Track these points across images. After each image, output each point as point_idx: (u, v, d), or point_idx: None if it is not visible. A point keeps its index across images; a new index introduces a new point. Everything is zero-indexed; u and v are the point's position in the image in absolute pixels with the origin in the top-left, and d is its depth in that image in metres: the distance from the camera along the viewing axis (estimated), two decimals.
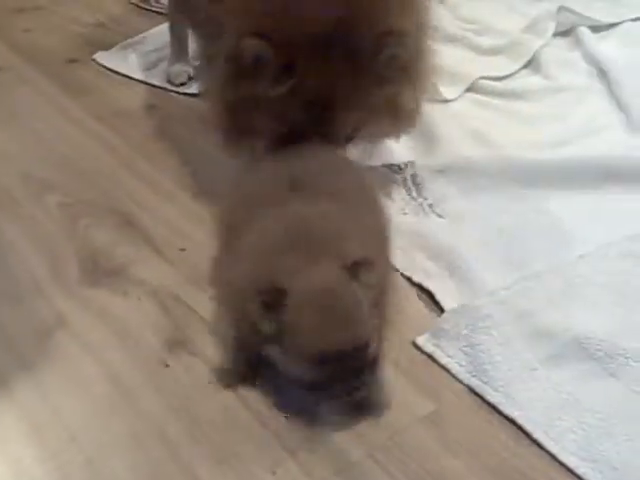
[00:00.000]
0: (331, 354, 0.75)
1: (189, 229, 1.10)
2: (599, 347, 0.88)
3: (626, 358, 0.88)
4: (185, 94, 1.44)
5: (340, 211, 0.85)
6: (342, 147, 1.04)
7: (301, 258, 0.78)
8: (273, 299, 0.75)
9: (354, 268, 0.77)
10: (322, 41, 0.94)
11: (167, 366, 0.89)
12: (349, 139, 1.05)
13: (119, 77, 1.48)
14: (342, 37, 0.95)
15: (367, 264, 0.78)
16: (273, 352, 0.79)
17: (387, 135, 1.14)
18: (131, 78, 1.47)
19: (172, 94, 1.45)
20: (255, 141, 1.05)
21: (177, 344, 0.92)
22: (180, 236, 1.09)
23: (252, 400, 0.85)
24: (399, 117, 1.06)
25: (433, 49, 1.12)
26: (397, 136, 1.14)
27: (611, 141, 1.28)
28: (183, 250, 1.07)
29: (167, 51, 1.49)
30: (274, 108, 0.98)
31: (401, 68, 1.00)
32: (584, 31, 1.61)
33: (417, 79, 1.06)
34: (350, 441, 0.80)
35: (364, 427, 0.82)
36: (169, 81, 1.46)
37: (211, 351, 0.91)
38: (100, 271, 1.04)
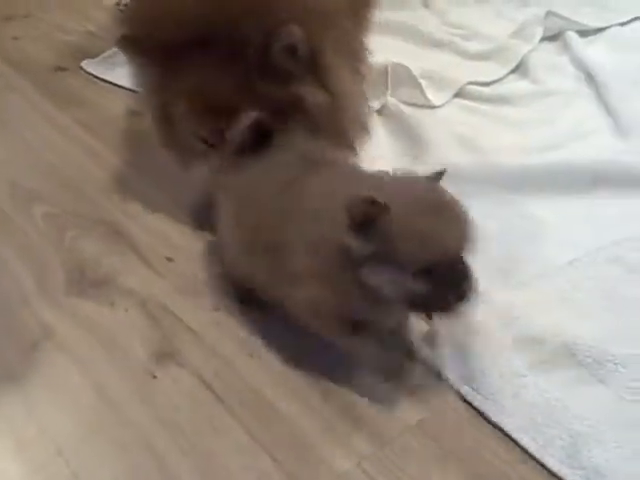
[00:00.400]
0: (446, 258, 0.73)
1: (177, 239, 1.10)
2: (588, 353, 0.88)
3: (615, 364, 0.88)
4: None
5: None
6: None
7: (380, 183, 0.78)
8: (372, 212, 0.71)
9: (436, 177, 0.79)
10: (202, 42, 0.90)
11: (154, 377, 0.89)
12: None
13: (107, 85, 1.47)
14: (225, 35, 0.90)
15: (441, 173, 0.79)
16: (371, 275, 0.74)
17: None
18: (118, 86, 1.47)
19: None
20: (194, 157, 1.03)
21: (165, 355, 0.92)
22: (168, 246, 1.09)
23: (239, 411, 0.85)
24: (318, 122, 0.97)
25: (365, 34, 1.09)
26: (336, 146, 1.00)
27: (599, 145, 1.28)
28: (171, 260, 1.06)
29: None
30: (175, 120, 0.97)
31: (302, 61, 0.93)
32: (572, 36, 1.61)
33: (332, 70, 0.98)
34: (339, 450, 0.80)
35: (353, 436, 0.81)
36: None
37: (199, 362, 0.91)
38: (87, 282, 1.03)
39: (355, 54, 1.07)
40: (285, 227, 0.82)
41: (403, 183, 0.80)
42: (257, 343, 0.92)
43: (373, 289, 0.75)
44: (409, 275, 0.73)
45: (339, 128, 1.01)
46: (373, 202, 0.71)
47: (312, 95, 0.96)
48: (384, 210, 0.71)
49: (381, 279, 0.74)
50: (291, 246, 0.81)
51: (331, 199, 0.78)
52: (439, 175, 0.80)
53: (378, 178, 0.81)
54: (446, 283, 0.73)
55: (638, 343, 0.92)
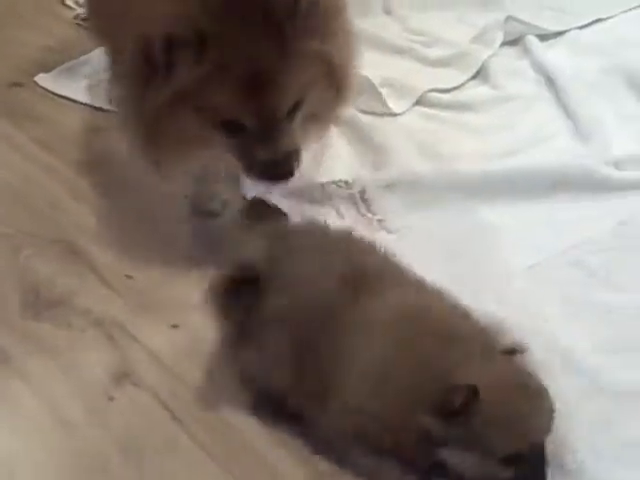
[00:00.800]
0: (534, 445, 0.71)
1: (136, 256, 1.08)
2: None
3: (576, 368, 0.88)
4: None
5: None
6: (286, 131, 0.94)
7: (456, 351, 0.73)
8: (467, 402, 0.68)
9: (512, 352, 0.75)
10: (233, 5, 0.89)
11: (111, 399, 0.88)
12: (291, 117, 0.95)
13: (63, 100, 1.44)
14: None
15: (519, 348, 0.76)
16: (451, 457, 0.72)
17: (329, 106, 1.04)
18: (75, 101, 1.44)
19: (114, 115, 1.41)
20: (188, 153, 0.98)
21: (122, 376, 0.91)
22: (126, 263, 1.07)
23: (196, 429, 0.84)
24: (336, 76, 0.98)
25: None
26: (338, 105, 1.05)
27: (559, 149, 1.28)
28: (130, 277, 1.05)
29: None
30: (200, 101, 0.91)
31: (325, 17, 0.94)
32: (532, 40, 1.61)
33: (346, 30, 1.01)
34: (297, 466, 0.79)
35: (311, 452, 0.80)
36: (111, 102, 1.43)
37: (155, 381, 0.89)
38: (43, 303, 1.01)
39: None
40: (337, 368, 0.76)
41: (485, 359, 0.75)
42: (215, 361, 0.91)
43: (449, 468, 0.73)
44: (494, 461, 0.71)
45: (346, 82, 1.01)
46: (468, 388, 0.69)
47: (341, 56, 0.97)
48: (477, 398, 0.69)
49: (463, 462, 0.72)
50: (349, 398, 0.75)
51: (406, 362, 0.74)
52: (515, 350, 0.76)
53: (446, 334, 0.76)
54: (531, 469, 0.72)
55: (600, 347, 0.92)
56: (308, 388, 0.78)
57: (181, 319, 0.97)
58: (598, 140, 1.29)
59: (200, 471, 0.80)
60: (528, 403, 0.71)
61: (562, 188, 1.18)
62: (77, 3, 1.78)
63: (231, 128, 0.93)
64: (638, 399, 0.86)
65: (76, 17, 1.74)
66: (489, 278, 1.02)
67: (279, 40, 0.90)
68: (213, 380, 0.90)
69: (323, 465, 0.79)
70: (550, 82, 1.48)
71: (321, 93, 0.98)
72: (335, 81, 0.99)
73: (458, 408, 0.69)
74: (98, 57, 1.55)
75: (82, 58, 1.57)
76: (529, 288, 1.00)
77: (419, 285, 0.83)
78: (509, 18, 1.61)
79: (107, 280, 1.05)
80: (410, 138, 1.30)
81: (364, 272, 0.81)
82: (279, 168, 0.96)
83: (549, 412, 0.73)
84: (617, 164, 1.24)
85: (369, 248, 0.87)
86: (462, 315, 0.80)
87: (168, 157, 1.00)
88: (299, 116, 0.96)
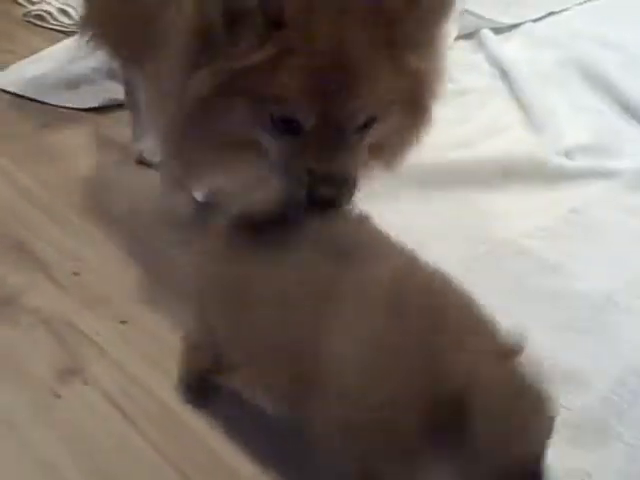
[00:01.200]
0: (530, 460, 0.62)
1: (83, 252, 1.07)
2: None
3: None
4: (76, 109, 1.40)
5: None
6: (352, 147, 0.77)
7: (450, 347, 0.62)
8: (456, 410, 0.58)
9: (512, 355, 0.63)
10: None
11: (58, 397, 0.86)
12: (361, 135, 0.78)
13: (10, 97, 1.42)
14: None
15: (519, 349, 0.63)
16: (435, 469, 0.63)
17: (400, 137, 0.87)
18: (26, 98, 1.42)
19: (66, 112, 1.39)
20: (224, 159, 0.83)
21: (70, 373, 0.89)
22: (73, 259, 1.05)
23: (147, 427, 0.83)
24: (421, 103, 0.82)
25: None
26: (411, 139, 0.89)
27: (512, 141, 1.30)
28: (77, 274, 1.03)
29: (65, 72, 1.46)
30: (260, 88, 0.73)
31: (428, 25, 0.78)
32: (487, 33, 1.63)
33: (441, 45, 0.84)
34: (255, 467, 0.78)
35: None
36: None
37: (105, 379, 0.88)
38: None
39: None
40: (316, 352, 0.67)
41: (483, 362, 0.62)
42: (165, 356, 0.89)
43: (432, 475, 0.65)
44: (483, 474, 0.62)
45: (428, 114, 0.86)
46: (461, 398, 0.58)
47: (429, 68, 0.82)
48: (467, 408, 0.58)
49: (448, 473, 0.63)
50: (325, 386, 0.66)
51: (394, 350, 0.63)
52: (514, 352, 0.64)
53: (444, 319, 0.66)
54: None
55: (550, 333, 0.92)
56: (297, 373, 0.69)
57: (130, 315, 0.96)
58: (551, 131, 1.31)
59: (153, 472, 0.78)
60: (526, 414, 0.61)
61: (514, 178, 1.20)
62: (28, 0, 1.77)
63: (284, 128, 0.76)
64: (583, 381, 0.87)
65: (26, 15, 1.72)
66: (443, 266, 1.02)
67: (379, 39, 0.74)
68: (165, 377, 0.88)
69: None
70: (505, 75, 1.49)
71: (398, 118, 0.81)
72: (418, 108, 0.83)
73: (445, 424, 0.59)
74: (49, 55, 1.54)
75: (35, 56, 1.55)
76: (481, 275, 1.01)
77: (409, 255, 0.76)
78: (464, 12, 1.62)
79: (55, 278, 1.03)
80: None
81: (351, 243, 0.73)
82: (328, 189, 0.76)
83: (549, 422, 0.62)
84: (569, 154, 1.25)
85: (356, 219, 0.78)
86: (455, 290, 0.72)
87: (200, 164, 0.85)
88: (367, 139, 0.79)
